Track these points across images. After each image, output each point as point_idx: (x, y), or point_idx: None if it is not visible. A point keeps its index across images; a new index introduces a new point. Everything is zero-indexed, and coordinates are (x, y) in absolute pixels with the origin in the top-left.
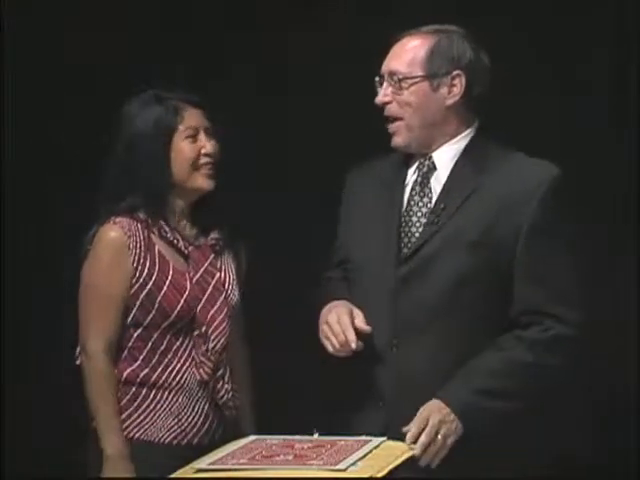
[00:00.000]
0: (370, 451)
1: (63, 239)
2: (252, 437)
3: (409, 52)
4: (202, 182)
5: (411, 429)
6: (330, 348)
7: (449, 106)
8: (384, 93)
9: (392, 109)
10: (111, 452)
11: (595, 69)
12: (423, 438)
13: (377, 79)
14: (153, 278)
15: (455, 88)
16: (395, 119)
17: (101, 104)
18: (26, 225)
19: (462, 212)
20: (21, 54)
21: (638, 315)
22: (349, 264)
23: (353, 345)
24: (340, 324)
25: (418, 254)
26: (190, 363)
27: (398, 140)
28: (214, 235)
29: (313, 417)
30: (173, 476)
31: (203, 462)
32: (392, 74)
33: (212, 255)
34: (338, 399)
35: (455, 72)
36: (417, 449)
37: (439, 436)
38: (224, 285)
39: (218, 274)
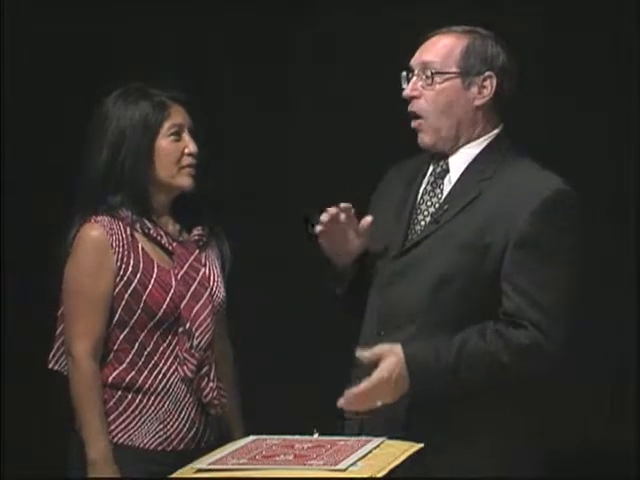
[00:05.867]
0: (370, 451)
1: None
2: (252, 437)
3: (444, 47)
4: (183, 181)
5: (371, 380)
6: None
7: (477, 107)
8: (413, 87)
9: (418, 105)
10: (95, 456)
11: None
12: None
13: (404, 73)
14: (137, 276)
15: (485, 90)
16: (419, 117)
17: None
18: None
19: (462, 215)
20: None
21: (638, 315)
22: (365, 258)
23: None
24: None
25: (412, 251)
26: (176, 365)
27: (425, 139)
28: (197, 231)
29: (313, 417)
30: (173, 476)
31: (203, 462)
32: (425, 66)
33: (196, 251)
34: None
35: (487, 73)
36: (345, 400)
37: (379, 402)
38: (209, 281)
39: (203, 270)
